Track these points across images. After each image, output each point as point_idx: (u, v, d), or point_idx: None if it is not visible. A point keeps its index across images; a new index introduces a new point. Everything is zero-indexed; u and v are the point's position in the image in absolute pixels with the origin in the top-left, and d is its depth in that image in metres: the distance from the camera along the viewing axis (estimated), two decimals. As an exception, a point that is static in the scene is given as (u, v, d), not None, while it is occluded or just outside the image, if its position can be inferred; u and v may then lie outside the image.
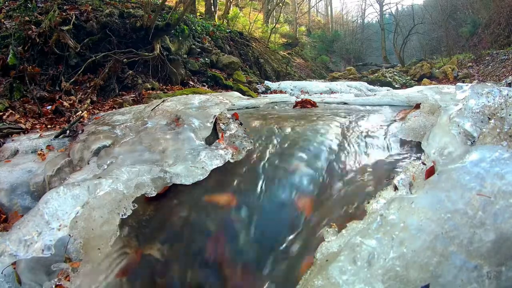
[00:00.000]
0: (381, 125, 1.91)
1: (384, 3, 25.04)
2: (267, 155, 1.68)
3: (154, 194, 1.35)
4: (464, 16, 19.85)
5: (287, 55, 16.00)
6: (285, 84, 8.05)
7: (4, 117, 2.85)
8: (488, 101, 1.08)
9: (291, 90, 7.55)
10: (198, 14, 11.64)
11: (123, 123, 2.09)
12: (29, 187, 1.86)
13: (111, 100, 3.90)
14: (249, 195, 1.50)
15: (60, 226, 1.09)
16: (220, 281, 1.23)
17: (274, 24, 17.85)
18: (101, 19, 4.62)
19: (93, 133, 2.02)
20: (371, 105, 2.94)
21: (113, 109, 3.36)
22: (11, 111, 2.98)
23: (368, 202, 1.14)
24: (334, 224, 1.17)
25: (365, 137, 1.78)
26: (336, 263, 0.79)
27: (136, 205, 1.29)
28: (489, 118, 1.05)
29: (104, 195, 1.20)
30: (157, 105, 2.06)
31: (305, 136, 1.79)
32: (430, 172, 1.08)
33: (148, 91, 4.38)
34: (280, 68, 11.62)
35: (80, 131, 2.35)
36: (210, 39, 7.93)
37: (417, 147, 1.59)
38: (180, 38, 6.19)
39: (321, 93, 7.04)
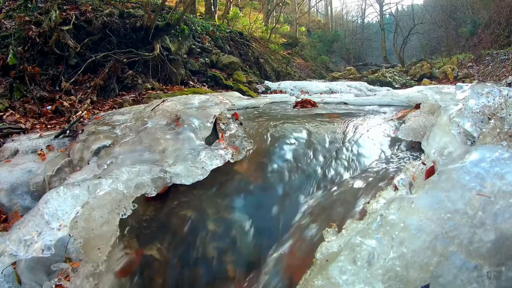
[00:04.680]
0: (381, 125, 1.91)
1: (384, 3, 25.04)
2: (267, 155, 1.68)
3: (154, 194, 1.35)
4: (464, 16, 19.85)
5: (287, 55, 15.99)
6: (285, 84, 8.05)
7: (4, 117, 2.84)
8: (488, 101, 1.08)
9: (291, 90, 7.55)
10: (198, 14, 11.64)
11: (123, 123, 2.09)
12: (29, 187, 1.86)
13: (111, 100, 3.90)
14: (249, 195, 1.50)
15: (60, 226, 1.09)
16: (221, 280, 1.23)
17: (274, 24, 17.84)
18: (101, 19, 4.62)
19: (93, 133, 2.02)
20: (371, 105, 2.94)
21: (113, 109, 3.36)
22: (11, 111, 2.98)
23: (368, 202, 1.14)
24: (334, 224, 1.17)
25: (365, 137, 1.78)
26: (336, 263, 0.79)
27: (136, 205, 1.29)
28: (489, 118, 1.05)
29: (104, 195, 1.20)
30: (157, 105, 2.06)
31: (305, 136, 1.79)
32: (430, 172, 1.08)
33: (148, 91, 4.38)
34: (280, 68, 11.62)
35: (80, 131, 2.35)
36: (210, 39, 7.92)
37: (417, 147, 1.59)
38: (180, 38, 6.19)
39: (321, 93, 7.03)
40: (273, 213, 1.39)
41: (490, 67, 12.39)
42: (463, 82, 10.45)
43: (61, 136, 2.39)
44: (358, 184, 1.43)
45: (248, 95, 5.64)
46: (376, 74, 12.98)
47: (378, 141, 1.74)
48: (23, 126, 2.74)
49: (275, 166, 1.61)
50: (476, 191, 0.78)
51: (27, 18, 3.94)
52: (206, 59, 6.65)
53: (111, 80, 4.18)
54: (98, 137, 1.92)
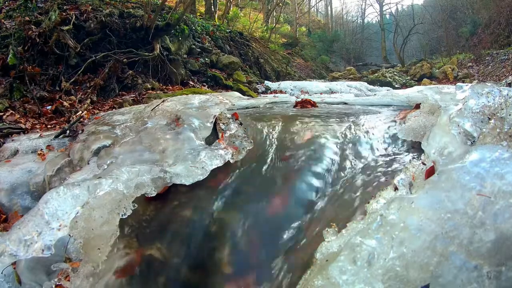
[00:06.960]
0: (381, 125, 1.91)
1: (384, 3, 25.05)
2: (267, 156, 1.68)
3: (154, 194, 1.35)
4: (464, 16, 19.85)
5: (287, 55, 15.98)
6: (285, 84, 8.05)
7: (4, 117, 2.84)
8: (488, 101, 1.08)
9: (291, 90, 7.55)
10: (198, 14, 11.63)
11: (123, 123, 2.09)
12: (29, 187, 1.86)
13: (111, 100, 3.90)
14: (249, 196, 1.50)
15: (60, 226, 1.09)
16: (220, 280, 1.23)
17: (274, 24, 17.83)
18: (101, 19, 4.62)
19: (93, 133, 2.02)
20: (371, 105, 2.94)
21: (113, 109, 3.36)
22: (11, 111, 2.98)
23: (368, 202, 1.14)
24: (334, 224, 1.17)
25: (365, 137, 1.78)
26: (336, 263, 0.79)
27: (136, 205, 1.29)
28: (489, 118, 1.05)
29: (104, 195, 1.20)
30: (157, 105, 2.06)
31: (305, 136, 1.79)
32: (430, 172, 1.08)
33: (148, 91, 4.38)
34: (280, 68, 11.61)
35: (80, 131, 2.35)
36: (210, 39, 7.92)
37: (417, 147, 1.59)
38: (180, 38, 6.19)
39: (321, 93, 7.02)
40: (274, 213, 1.39)
41: (490, 67, 12.39)
42: (463, 82, 10.46)
43: (61, 136, 2.39)
44: (358, 184, 1.43)
45: (248, 95, 5.64)
46: (376, 74, 12.99)
47: (378, 141, 1.74)
48: (23, 126, 2.74)
49: (275, 166, 1.61)
50: (476, 191, 0.78)
51: (27, 18, 3.94)
52: (206, 59, 6.65)
53: (111, 80, 4.18)
54: (98, 137, 1.92)
